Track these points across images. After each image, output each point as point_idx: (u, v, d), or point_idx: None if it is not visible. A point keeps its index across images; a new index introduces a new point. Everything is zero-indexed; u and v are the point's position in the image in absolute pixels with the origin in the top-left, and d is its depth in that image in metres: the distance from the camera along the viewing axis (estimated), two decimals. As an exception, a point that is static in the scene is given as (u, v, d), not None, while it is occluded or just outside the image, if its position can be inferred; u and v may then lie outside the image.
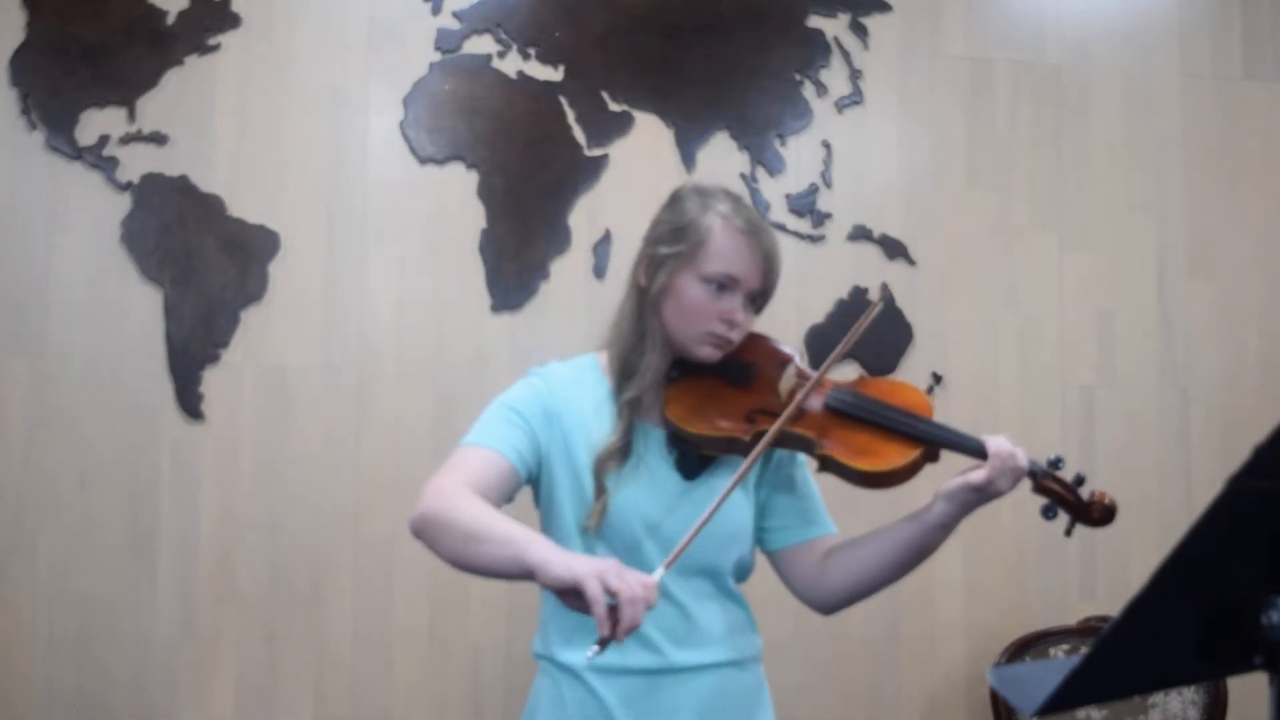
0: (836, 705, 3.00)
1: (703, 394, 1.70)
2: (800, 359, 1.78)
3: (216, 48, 2.84)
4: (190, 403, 2.77)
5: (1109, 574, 3.13)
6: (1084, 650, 1.41)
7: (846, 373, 3.03)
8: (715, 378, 1.72)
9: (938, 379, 3.10)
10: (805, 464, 1.83)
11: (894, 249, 3.09)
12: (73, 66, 2.78)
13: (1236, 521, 1.08)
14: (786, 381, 1.72)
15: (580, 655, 1.63)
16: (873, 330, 3.05)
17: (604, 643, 1.36)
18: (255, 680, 2.76)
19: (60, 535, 2.71)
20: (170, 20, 2.83)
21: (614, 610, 1.35)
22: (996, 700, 2.86)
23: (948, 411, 3.06)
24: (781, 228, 3.04)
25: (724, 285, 1.68)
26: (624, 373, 1.71)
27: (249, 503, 2.79)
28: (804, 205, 3.07)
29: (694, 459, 1.71)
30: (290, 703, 2.77)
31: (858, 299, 3.06)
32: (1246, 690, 2.77)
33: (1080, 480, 1.72)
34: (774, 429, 1.63)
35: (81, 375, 2.75)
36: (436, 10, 2.94)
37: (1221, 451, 3.20)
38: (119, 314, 2.77)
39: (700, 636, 1.69)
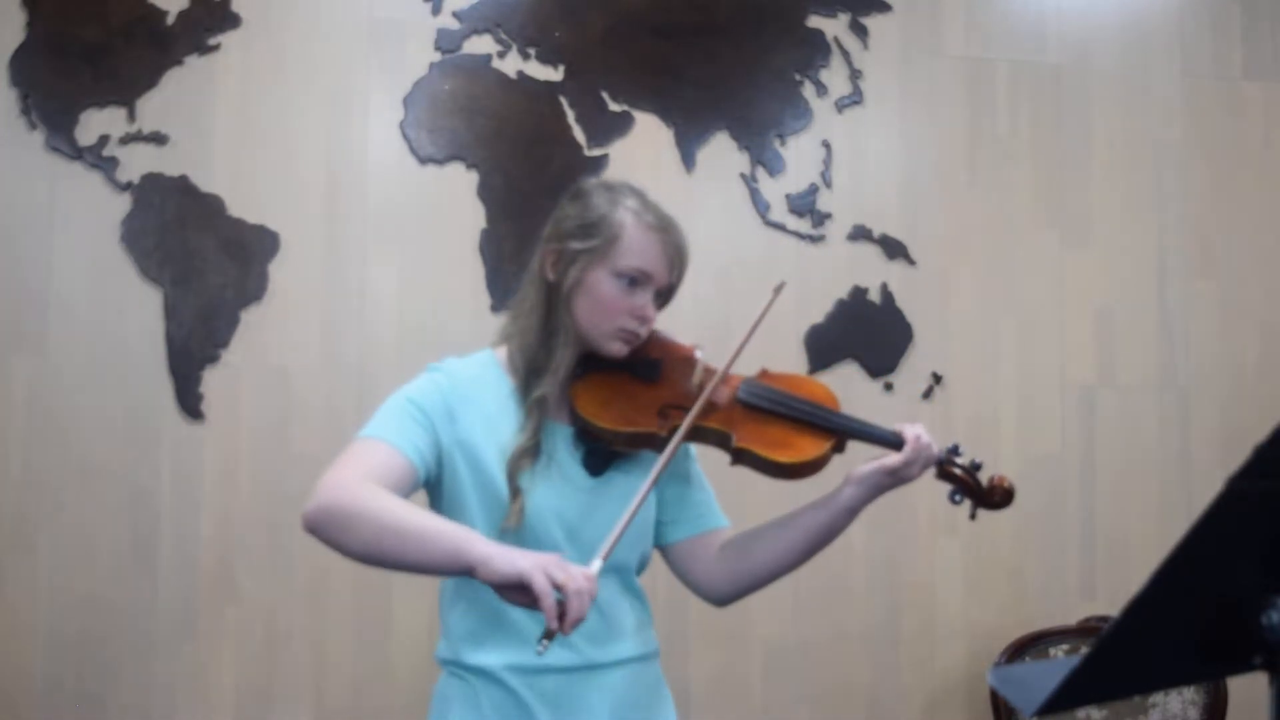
0: (836, 705, 3.00)
1: (612, 390, 1.70)
2: (701, 353, 1.78)
3: (216, 48, 2.84)
4: (190, 403, 2.77)
5: (1109, 574, 3.13)
6: (1084, 650, 1.41)
7: (850, 374, 3.04)
8: (622, 373, 1.72)
9: (938, 379, 3.10)
10: (696, 458, 1.85)
11: (894, 249, 3.09)
12: (73, 66, 2.78)
13: (1236, 521, 1.08)
14: (695, 376, 1.73)
15: (492, 656, 1.63)
16: (873, 330, 3.07)
17: (551, 635, 1.36)
18: (255, 680, 2.76)
19: (60, 535, 2.71)
20: (170, 20, 2.83)
21: (560, 604, 1.36)
22: (996, 700, 2.86)
23: (947, 411, 3.08)
24: (781, 228, 3.04)
25: (636, 281, 1.67)
26: (531, 369, 1.69)
27: (249, 503, 2.79)
28: (804, 205, 3.07)
29: (601, 456, 1.70)
30: (290, 703, 2.77)
31: (858, 299, 3.06)
32: (1246, 690, 2.77)
33: (977, 466, 1.76)
34: (688, 422, 1.64)
35: (81, 375, 2.75)
36: (436, 10, 2.94)
37: (1221, 451, 3.20)
38: (119, 314, 2.77)
39: (614, 632, 1.69)
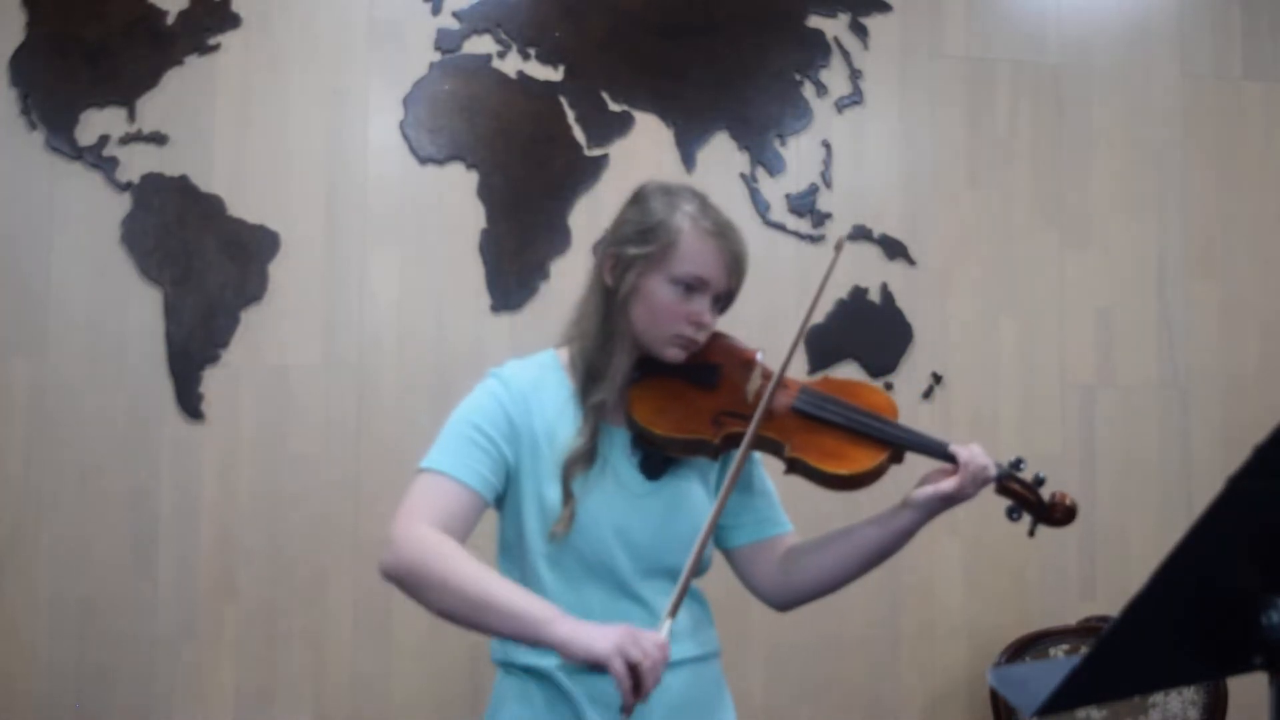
0: (836, 705, 3.00)
1: (668, 395, 1.70)
2: (763, 357, 1.77)
3: (216, 48, 2.84)
4: (190, 403, 2.77)
5: (1109, 574, 3.13)
6: (1084, 650, 1.41)
7: (847, 373, 3.04)
8: (680, 379, 1.71)
9: (938, 379, 3.10)
10: (761, 461, 1.84)
11: (894, 249, 3.10)
12: (73, 66, 2.78)
13: (1236, 521, 1.08)
14: (753, 383, 1.72)
15: (543, 657, 1.63)
16: (873, 330, 3.07)
17: (629, 709, 1.44)
18: (255, 680, 2.76)
19: (60, 535, 2.71)
20: (170, 20, 2.83)
21: (634, 671, 1.43)
22: (996, 700, 2.86)
23: (947, 411, 3.08)
24: (781, 228, 3.04)
25: (692, 287, 1.67)
26: (590, 374, 1.70)
27: (249, 503, 2.79)
28: (804, 205, 3.07)
29: (658, 460, 1.70)
30: (290, 703, 2.77)
31: (858, 299, 3.06)
32: (1246, 690, 2.77)
33: (1040, 481, 1.74)
34: (748, 438, 1.63)
35: (81, 375, 2.75)
36: (436, 10, 2.94)
37: (1221, 451, 3.20)
38: (119, 314, 2.77)
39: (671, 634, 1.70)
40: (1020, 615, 3.08)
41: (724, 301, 1.73)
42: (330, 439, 2.82)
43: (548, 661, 1.65)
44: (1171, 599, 1.12)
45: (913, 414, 3.02)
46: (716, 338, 1.75)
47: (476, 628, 1.53)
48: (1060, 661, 2.32)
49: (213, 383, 2.79)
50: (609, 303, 1.70)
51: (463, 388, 2.84)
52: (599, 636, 1.43)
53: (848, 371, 3.04)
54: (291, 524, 2.80)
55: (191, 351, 2.79)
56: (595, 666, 1.43)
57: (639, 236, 1.69)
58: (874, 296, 3.08)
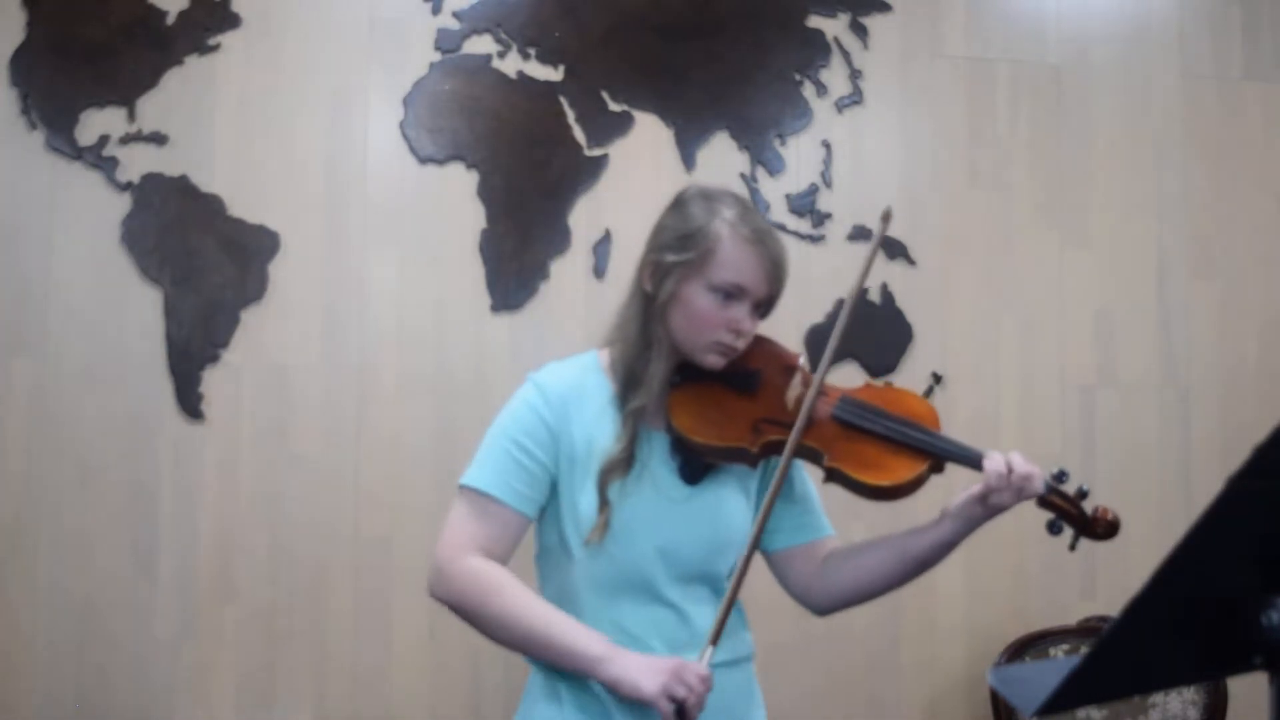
0: (837, 705, 3.00)
1: (708, 401, 1.69)
2: (804, 361, 1.77)
3: (216, 48, 2.84)
4: (190, 403, 2.77)
5: (1109, 574, 3.13)
6: (1084, 650, 1.41)
7: (850, 374, 3.04)
8: (720, 384, 1.70)
9: (938, 379, 3.10)
10: (802, 465, 1.83)
11: (894, 249, 3.10)
12: (73, 66, 2.78)
13: (1236, 521, 1.08)
14: (793, 390, 1.71)
15: None
16: (873, 330, 3.07)
17: None
18: (255, 680, 2.76)
19: (60, 535, 2.71)
20: (170, 20, 2.83)
21: (680, 707, 1.50)
22: (996, 700, 2.86)
23: (947, 411, 3.07)
24: (781, 228, 3.04)
25: (731, 294, 1.66)
26: (629, 378, 1.69)
27: (249, 502, 2.79)
28: (804, 205, 3.07)
29: (698, 465, 1.70)
30: (290, 703, 2.77)
31: (857, 299, 3.06)
32: (1246, 690, 2.77)
33: (1083, 494, 1.70)
34: (788, 451, 1.62)
35: (81, 375, 2.75)
36: (436, 10, 2.94)
37: (1221, 451, 3.20)
38: (119, 314, 2.77)
39: (698, 639, 1.68)
40: (1020, 615, 3.07)
41: (764, 308, 1.71)
42: (330, 439, 2.82)
43: None
44: (1172, 599, 1.12)
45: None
46: (759, 342, 1.74)
47: (523, 653, 1.64)
48: (1060, 661, 2.32)
49: (213, 383, 2.79)
50: (648, 309, 1.69)
51: (463, 387, 2.87)
52: (646, 676, 1.51)
53: (848, 372, 3.04)
54: (291, 524, 2.80)
55: (191, 351, 2.79)
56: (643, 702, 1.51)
57: (678, 243, 1.68)
58: (874, 296, 3.08)
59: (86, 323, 2.76)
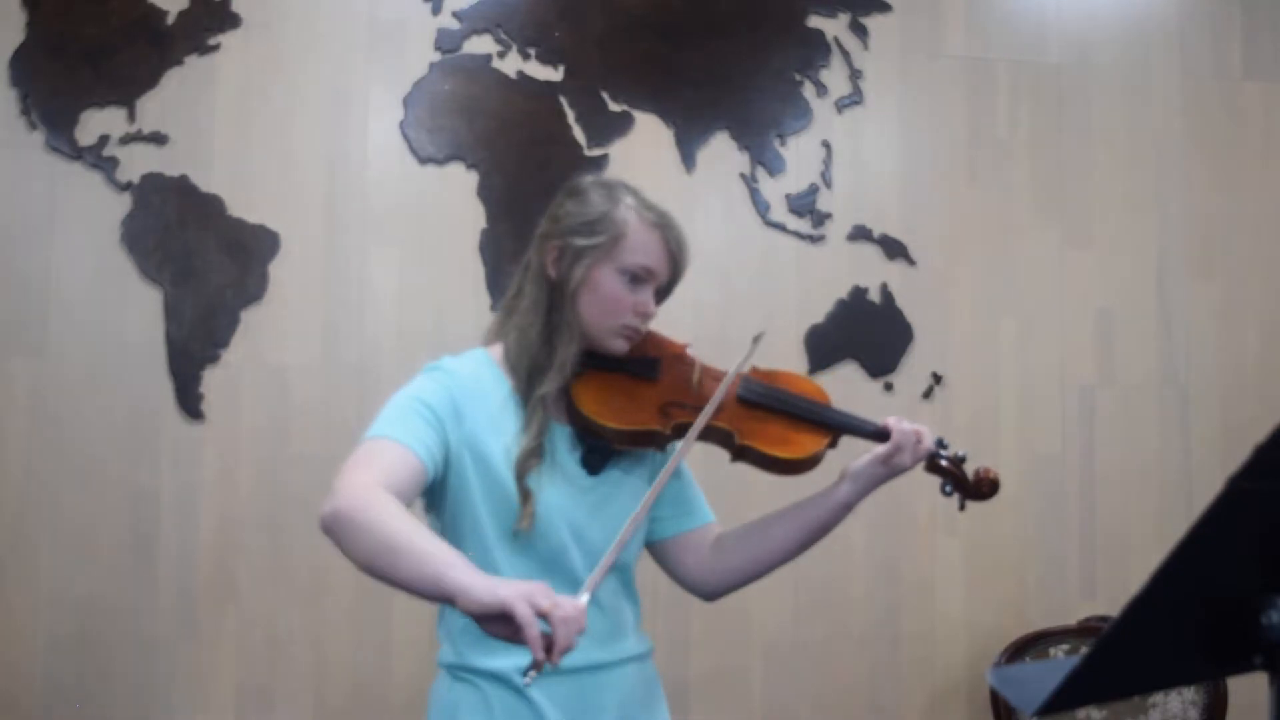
0: (837, 705, 3.00)
1: (613, 388, 1.70)
2: (693, 350, 1.79)
3: (216, 48, 2.84)
4: (190, 403, 2.77)
5: (1109, 574, 3.13)
6: (1084, 650, 1.41)
7: (848, 373, 3.04)
8: (621, 373, 1.72)
9: (938, 379, 3.10)
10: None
11: (894, 249, 3.09)
12: (73, 66, 2.78)
13: (1236, 521, 1.08)
14: (696, 374, 1.74)
15: (503, 661, 1.60)
16: (873, 330, 3.07)
17: (537, 666, 1.30)
18: (255, 680, 2.76)
19: (60, 535, 2.71)
20: (170, 20, 2.83)
21: (546, 635, 1.30)
22: (996, 700, 2.86)
23: (948, 411, 3.08)
24: (781, 228, 3.04)
25: (639, 278, 1.68)
26: (532, 368, 1.68)
27: (249, 502, 2.79)
28: (804, 205, 3.07)
29: (600, 455, 1.70)
30: (290, 703, 2.77)
31: (858, 299, 3.06)
32: (1246, 690, 2.77)
33: (962, 458, 1.79)
34: (700, 422, 1.65)
35: (81, 375, 2.75)
36: (436, 10, 2.94)
37: (1221, 451, 3.20)
38: (119, 314, 2.77)
39: (618, 631, 1.70)
40: (1020, 615, 3.08)
41: (663, 293, 1.74)
42: (330, 439, 2.82)
43: (506, 663, 1.61)
44: (1171, 599, 1.12)
45: (913, 414, 3.00)
46: (649, 333, 1.77)
47: (393, 581, 1.44)
48: (1060, 661, 2.32)
49: (213, 383, 2.79)
50: (553, 295, 1.70)
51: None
52: (503, 584, 1.32)
53: (848, 372, 3.04)
54: (292, 524, 2.80)
55: (191, 351, 2.79)
56: (499, 619, 1.30)
57: (585, 229, 1.70)
58: (874, 296, 3.08)
59: (86, 323, 2.76)
